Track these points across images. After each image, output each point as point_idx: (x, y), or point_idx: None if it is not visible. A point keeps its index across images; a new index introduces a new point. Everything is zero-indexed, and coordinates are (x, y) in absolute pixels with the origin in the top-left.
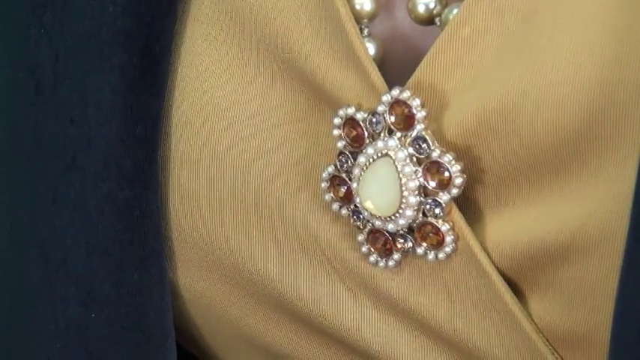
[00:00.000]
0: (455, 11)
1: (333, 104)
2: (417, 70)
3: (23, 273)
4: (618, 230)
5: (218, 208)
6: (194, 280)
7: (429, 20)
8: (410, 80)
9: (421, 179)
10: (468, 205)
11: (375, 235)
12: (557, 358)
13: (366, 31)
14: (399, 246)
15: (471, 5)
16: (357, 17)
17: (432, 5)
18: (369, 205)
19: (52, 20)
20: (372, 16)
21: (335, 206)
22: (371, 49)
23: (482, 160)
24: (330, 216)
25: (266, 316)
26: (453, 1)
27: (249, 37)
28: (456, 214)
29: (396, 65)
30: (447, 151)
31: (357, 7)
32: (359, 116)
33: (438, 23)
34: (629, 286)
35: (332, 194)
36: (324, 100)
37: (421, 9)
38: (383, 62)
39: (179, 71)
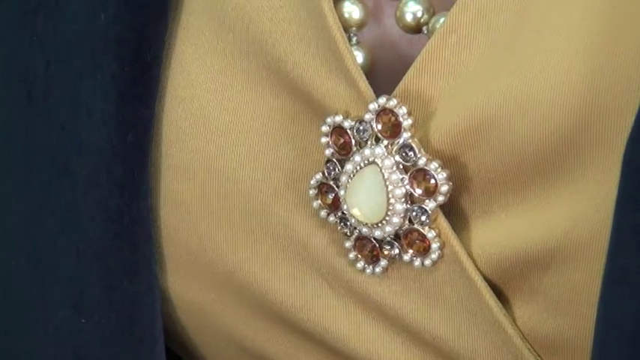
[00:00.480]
0: (442, 20)
1: (321, 112)
2: (404, 78)
3: (14, 277)
4: (602, 238)
5: (208, 215)
6: (184, 286)
7: (416, 29)
8: (397, 88)
9: (407, 187)
10: (454, 212)
11: (362, 241)
12: None
13: (354, 40)
14: (385, 253)
15: (458, 14)
16: (346, 25)
17: (419, 14)
18: (356, 212)
19: (45, 26)
20: (360, 25)
21: (323, 213)
22: (359, 57)
23: (469, 167)
24: (318, 223)
25: (256, 321)
26: (440, 9)
27: (239, 45)
28: (442, 221)
29: (385, 73)
30: (434, 159)
31: (346, 15)
32: (346, 124)
33: (426, 31)
34: (610, 293)
35: (320, 201)
36: (312, 107)
37: (409, 17)
38: (371, 70)
39: (170, 79)
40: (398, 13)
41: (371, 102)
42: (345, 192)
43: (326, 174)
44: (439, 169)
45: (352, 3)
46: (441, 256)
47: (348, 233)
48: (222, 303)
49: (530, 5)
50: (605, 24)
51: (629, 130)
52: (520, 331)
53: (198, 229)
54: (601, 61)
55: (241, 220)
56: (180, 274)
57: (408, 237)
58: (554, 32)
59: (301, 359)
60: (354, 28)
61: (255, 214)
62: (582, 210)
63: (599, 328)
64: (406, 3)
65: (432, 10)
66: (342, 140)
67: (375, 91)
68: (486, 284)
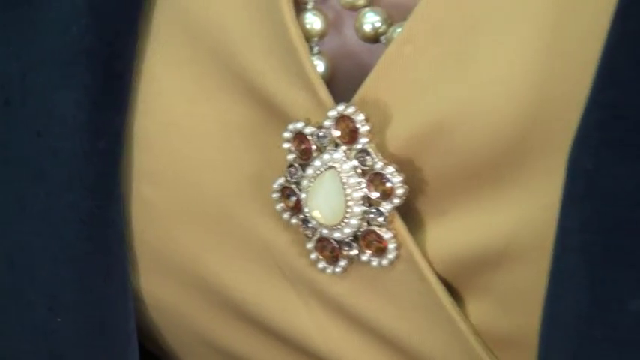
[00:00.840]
0: (399, 30)
1: (283, 119)
2: (362, 87)
3: None
4: (549, 237)
5: (176, 218)
6: (156, 287)
7: (375, 38)
8: (355, 96)
9: (365, 190)
10: (409, 213)
11: (322, 242)
12: (492, 358)
13: (316, 49)
14: (345, 253)
15: (414, 25)
16: (308, 36)
17: (378, 24)
18: (316, 214)
19: (20, 38)
20: (321, 35)
21: (285, 216)
22: (320, 66)
23: (423, 171)
24: (280, 225)
25: (225, 320)
26: (398, 20)
27: (205, 56)
28: (398, 223)
29: (345, 81)
30: (390, 163)
31: (307, 26)
32: (307, 131)
33: (384, 41)
34: (554, 290)
35: (282, 204)
36: (275, 115)
37: (368, 28)
38: (332, 78)
39: (140, 88)
40: (357, 24)
41: (330, 109)
42: (307, 195)
43: (288, 178)
44: (395, 173)
45: (313, 14)
46: (397, 256)
47: (310, 235)
48: (192, 303)
49: (482, 19)
50: (553, 34)
51: (574, 134)
52: (473, 327)
53: (166, 232)
54: (546, 73)
55: (208, 224)
56: (151, 274)
57: (366, 238)
58: (502, 45)
59: (268, 357)
60: (315, 39)
61: (221, 217)
62: (530, 211)
63: (544, 325)
64: (365, 14)
65: (389, 21)
66: (303, 146)
67: (335, 99)
68: (440, 283)
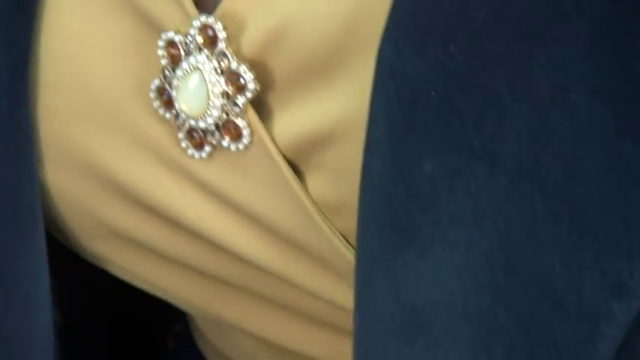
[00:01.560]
0: None
1: (158, 30)
2: (223, 1)
3: None
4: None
5: (76, 119)
6: (59, 177)
7: None
8: (217, 9)
9: (224, 86)
10: (261, 105)
11: (191, 132)
12: (328, 223)
13: None
14: (209, 140)
15: None
16: None
17: None
18: (184, 107)
19: None
20: None
21: (161, 111)
22: None
23: (270, 69)
24: (158, 119)
25: (115, 203)
26: None
27: None
28: (251, 113)
29: None
30: (243, 63)
31: None
32: (177, 39)
33: None
34: (366, 159)
35: (158, 102)
36: (153, 27)
37: None
38: None
39: (47, 4)
40: None
41: (194, 19)
42: (177, 92)
43: (162, 79)
44: (247, 71)
45: None
46: (251, 142)
47: (180, 126)
48: (89, 189)
49: None
50: None
51: (382, 31)
52: (311, 198)
53: (67, 130)
54: None
55: (100, 119)
56: (55, 167)
57: (225, 127)
58: None
59: (154, 233)
60: None
61: (112, 116)
62: (353, 99)
63: (361, 189)
64: None
65: None
66: (173, 52)
67: (200, 12)
68: (285, 162)
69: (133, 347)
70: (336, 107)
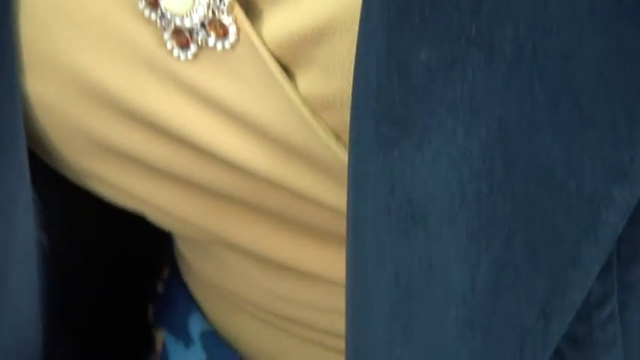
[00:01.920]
0: None
1: None
2: None
3: None
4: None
5: (59, 26)
6: (41, 88)
7: None
8: None
9: None
10: (248, 4)
11: (176, 33)
12: (319, 120)
13: None
14: (195, 39)
15: None
16: None
17: None
18: (169, 5)
19: None
20: None
21: (147, 12)
22: None
23: None
24: (143, 21)
25: (98, 111)
26: None
27: None
28: (237, 10)
29: None
30: None
31: None
32: None
33: None
34: (361, 51)
35: (144, 2)
36: None
37: None
38: None
39: None
40: None
41: None
42: None
43: None
44: None
45: None
46: (237, 40)
47: (165, 26)
48: (72, 98)
49: None
50: None
51: None
52: (301, 95)
53: (51, 40)
54: None
55: (86, 27)
56: (38, 78)
57: (211, 24)
58: None
59: (138, 141)
60: None
61: (97, 23)
62: None
63: (355, 82)
64: None
65: None
66: None
67: None
68: (274, 60)
69: (123, 292)
70: (327, 5)
